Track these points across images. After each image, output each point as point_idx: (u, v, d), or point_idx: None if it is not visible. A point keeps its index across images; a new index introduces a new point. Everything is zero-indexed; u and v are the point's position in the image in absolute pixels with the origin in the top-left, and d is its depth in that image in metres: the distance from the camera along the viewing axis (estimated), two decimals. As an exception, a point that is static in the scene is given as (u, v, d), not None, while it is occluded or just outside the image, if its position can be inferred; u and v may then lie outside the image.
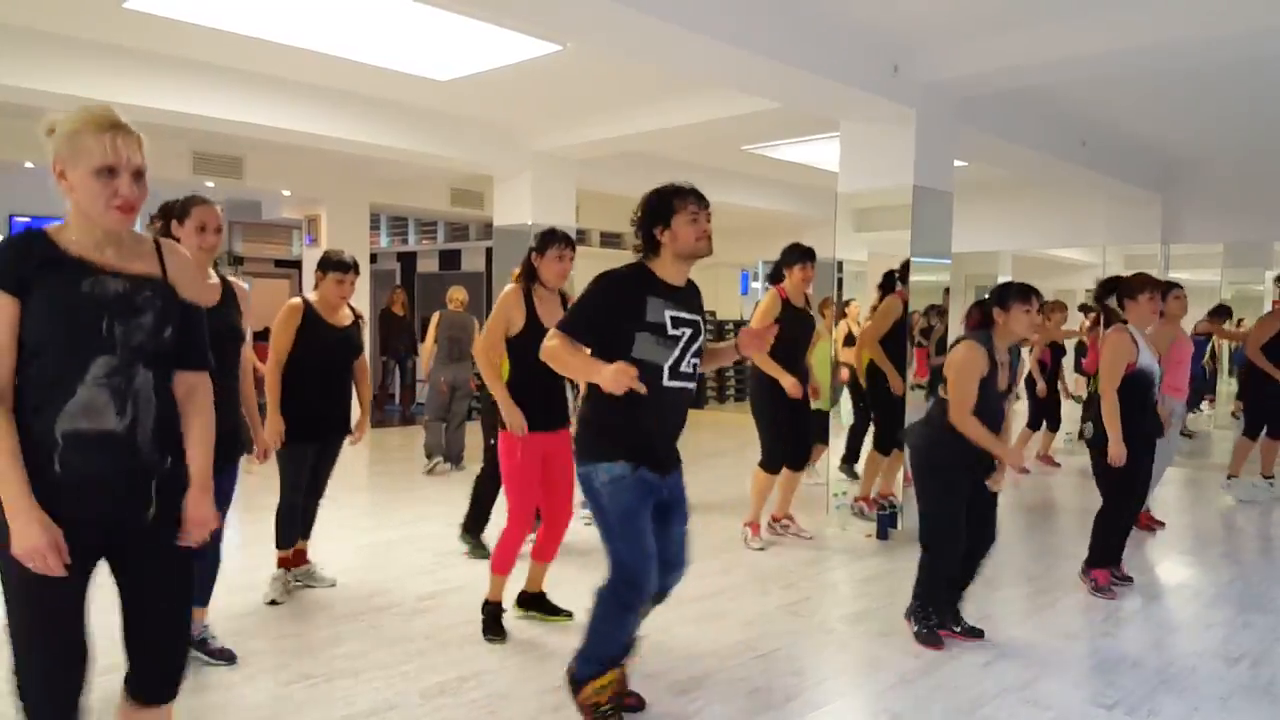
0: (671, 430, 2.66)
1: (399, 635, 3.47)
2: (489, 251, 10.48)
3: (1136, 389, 3.80)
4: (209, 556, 2.98)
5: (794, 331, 4.62)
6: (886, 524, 5.14)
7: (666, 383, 2.53)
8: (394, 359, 11.18)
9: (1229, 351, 9.74)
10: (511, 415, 3.30)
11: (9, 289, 1.63)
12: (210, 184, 8.53)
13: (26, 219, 9.89)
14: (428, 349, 7.04)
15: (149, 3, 4.44)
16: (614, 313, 2.51)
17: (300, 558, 3.99)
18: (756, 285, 14.05)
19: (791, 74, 4.52)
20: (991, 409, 3.24)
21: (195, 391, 1.87)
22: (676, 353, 2.54)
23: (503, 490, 3.49)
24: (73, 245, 1.70)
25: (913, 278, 5.17)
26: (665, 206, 2.54)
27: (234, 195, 10.21)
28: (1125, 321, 3.93)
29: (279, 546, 3.85)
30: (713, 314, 12.68)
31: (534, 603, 3.65)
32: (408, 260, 13.11)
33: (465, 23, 4.56)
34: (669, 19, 3.85)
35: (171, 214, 2.97)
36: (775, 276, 4.77)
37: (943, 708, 2.91)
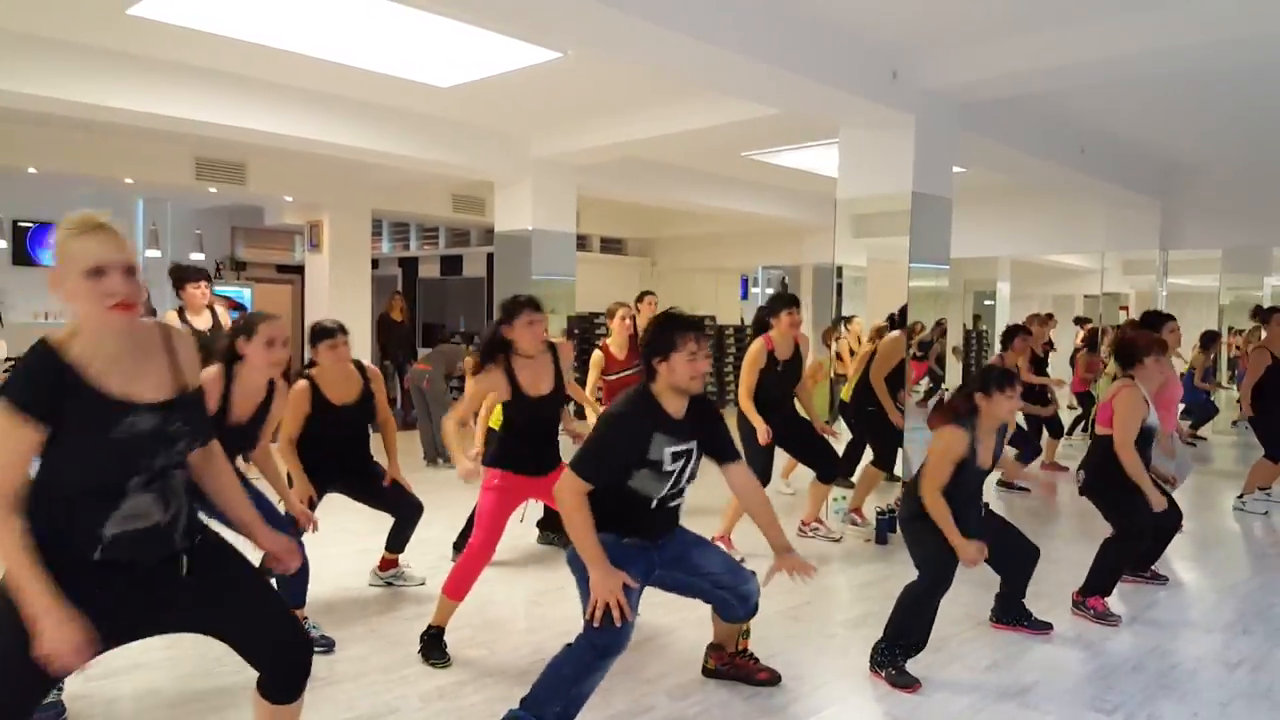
0: (659, 533, 2.75)
1: (399, 639, 3.47)
2: (490, 257, 10.52)
3: (1139, 444, 3.80)
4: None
5: (779, 383, 4.63)
6: (885, 529, 5.14)
7: (654, 509, 2.67)
8: (394, 364, 11.20)
9: (1228, 358, 9.74)
10: (460, 464, 3.32)
11: (36, 418, 1.65)
12: (213, 189, 8.56)
13: (29, 224, 9.94)
14: None
15: (153, 9, 4.47)
16: (622, 455, 2.60)
17: (390, 563, 4.13)
18: (756, 291, 14.07)
19: (791, 80, 4.54)
20: (970, 488, 3.24)
21: (211, 455, 2.01)
22: (668, 486, 2.65)
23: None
24: (92, 368, 1.71)
25: (912, 283, 5.20)
26: (667, 341, 2.63)
27: (236, 201, 10.26)
28: (1132, 376, 3.91)
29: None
30: (713, 319, 12.70)
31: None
32: (409, 265, 13.15)
33: (467, 30, 4.59)
34: (669, 26, 3.88)
35: (239, 332, 3.13)
36: (762, 326, 4.73)
37: (942, 713, 2.91)
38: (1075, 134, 6.76)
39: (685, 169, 8.62)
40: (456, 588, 3.24)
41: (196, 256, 11.03)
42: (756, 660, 3.12)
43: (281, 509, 3.32)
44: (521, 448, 3.34)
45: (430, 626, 3.30)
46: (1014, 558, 3.55)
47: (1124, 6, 4.24)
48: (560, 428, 3.53)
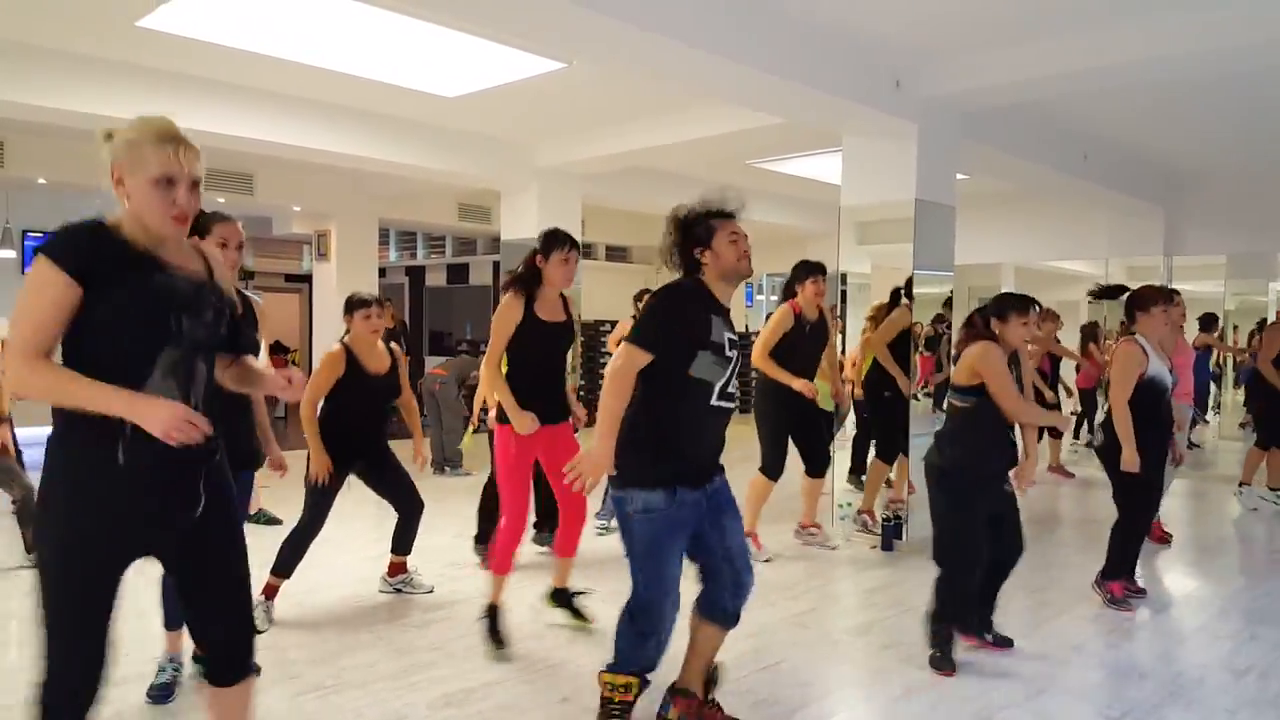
0: (709, 451, 2.63)
1: (407, 647, 3.49)
2: (496, 265, 10.56)
3: (1148, 399, 3.82)
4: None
5: (808, 346, 4.71)
6: (891, 535, 5.15)
7: (714, 402, 2.51)
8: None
9: (1233, 363, 9.71)
10: (519, 418, 3.30)
11: (72, 273, 1.65)
12: (221, 200, 8.62)
13: (39, 235, 10.01)
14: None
15: (162, 22, 4.51)
16: (684, 326, 2.46)
17: (398, 568, 4.15)
18: (761, 298, 14.08)
19: (794, 89, 4.57)
20: (1001, 419, 3.25)
21: (249, 363, 2.06)
22: (727, 373, 2.51)
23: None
24: (136, 241, 1.75)
25: (916, 290, 5.21)
26: (704, 227, 2.50)
27: (244, 211, 10.29)
28: (1134, 332, 3.96)
29: (275, 572, 3.67)
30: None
31: (561, 599, 3.71)
32: (416, 274, 13.20)
33: (473, 40, 4.62)
34: (673, 36, 3.90)
35: (192, 231, 3.03)
36: (788, 292, 4.81)
37: None
38: (1078, 140, 6.78)
39: (690, 177, 8.63)
40: (502, 561, 3.37)
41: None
42: (722, 711, 2.76)
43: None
44: (531, 387, 3.35)
45: (487, 605, 3.42)
46: (1004, 545, 3.37)
47: (1125, 14, 4.26)
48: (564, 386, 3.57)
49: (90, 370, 1.67)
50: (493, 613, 3.44)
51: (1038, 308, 3.32)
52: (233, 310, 1.93)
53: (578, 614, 3.67)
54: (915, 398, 5.29)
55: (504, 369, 3.44)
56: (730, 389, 2.55)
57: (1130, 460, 3.75)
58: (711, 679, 2.77)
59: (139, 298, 1.71)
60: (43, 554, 1.74)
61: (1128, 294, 4.18)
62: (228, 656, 1.95)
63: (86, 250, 1.68)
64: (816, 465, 4.99)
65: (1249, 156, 7.54)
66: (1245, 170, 7.97)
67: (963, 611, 3.28)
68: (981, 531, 3.23)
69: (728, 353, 2.49)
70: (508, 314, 3.36)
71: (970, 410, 3.26)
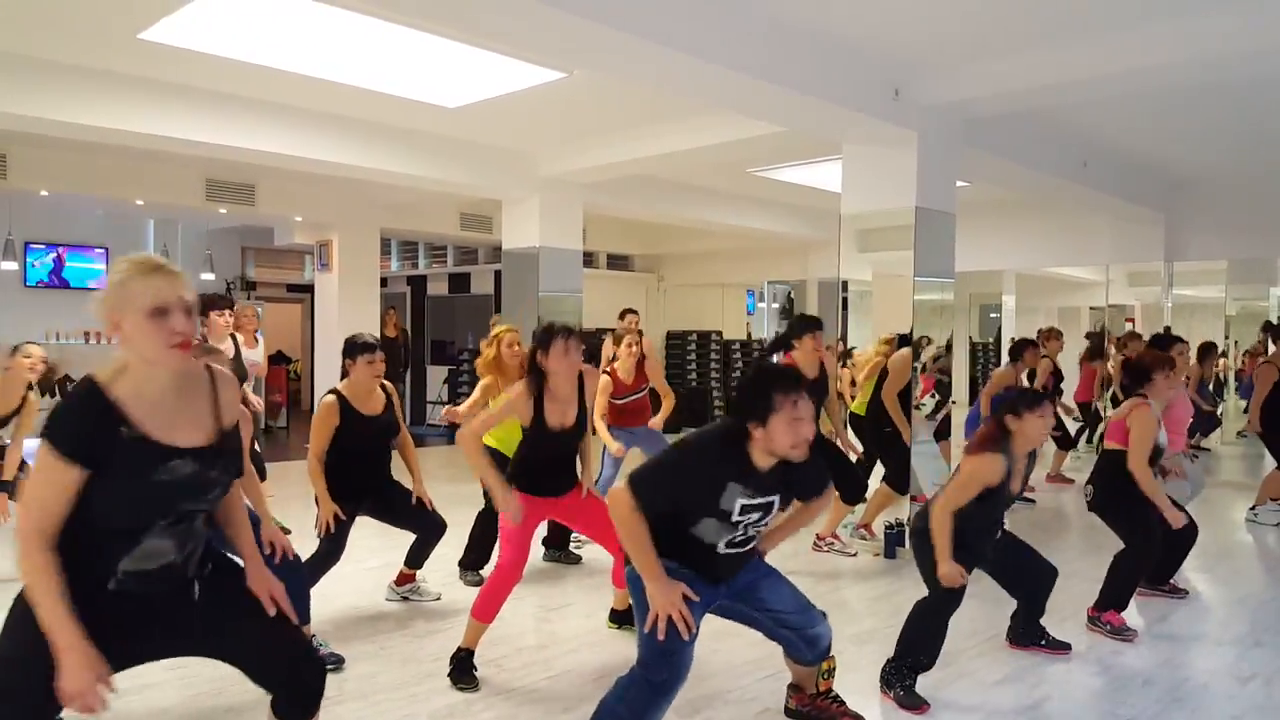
0: (725, 576, 2.54)
1: (408, 657, 3.48)
2: (498, 274, 10.57)
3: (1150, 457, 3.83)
4: (295, 577, 2.99)
5: None
6: (894, 543, 5.13)
7: (721, 551, 2.45)
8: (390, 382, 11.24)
9: (1234, 373, 9.72)
10: (504, 503, 3.15)
11: (78, 461, 1.68)
12: (223, 210, 8.65)
13: (41, 245, 10.05)
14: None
15: (164, 34, 4.53)
16: (691, 491, 2.37)
17: (407, 579, 4.18)
18: (763, 305, 14.09)
19: (795, 98, 4.58)
20: (995, 515, 3.26)
21: (232, 488, 2.03)
22: (734, 535, 2.42)
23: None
24: (137, 410, 1.74)
25: (916, 297, 5.21)
26: (765, 401, 2.29)
27: (246, 221, 10.34)
28: (1144, 395, 3.95)
29: None
30: (719, 334, 12.73)
31: (621, 618, 3.76)
32: (418, 283, 13.22)
33: (474, 51, 4.64)
34: (672, 45, 3.92)
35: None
36: (782, 344, 4.73)
37: (952, 727, 2.91)
38: (1078, 147, 6.79)
39: (691, 186, 8.67)
40: (485, 609, 3.20)
41: (207, 277, 11.12)
42: (841, 703, 2.85)
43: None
44: (538, 473, 3.32)
45: (459, 649, 3.25)
46: (1031, 577, 3.52)
47: (1125, 22, 4.27)
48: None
49: (90, 518, 1.72)
50: (467, 656, 3.24)
51: (1050, 405, 3.28)
52: (236, 455, 1.96)
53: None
54: (918, 406, 5.30)
55: (516, 434, 3.40)
56: (739, 539, 2.44)
57: (1176, 520, 3.80)
58: (823, 673, 2.82)
59: (137, 488, 1.74)
60: (11, 631, 1.74)
61: (1127, 363, 4.19)
62: (298, 699, 1.98)
63: (89, 439, 1.70)
64: (851, 494, 5.04)
65: (1249, 162, 7.55)
66: (1246, 175, 7.99)
67: (931, 651, 3.14)
68: (960, 593, 3.13)
69: (735, 519, 2.37)
70: (515, 409, 3.25)
71: (962, 510, 3.16)
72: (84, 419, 1.71)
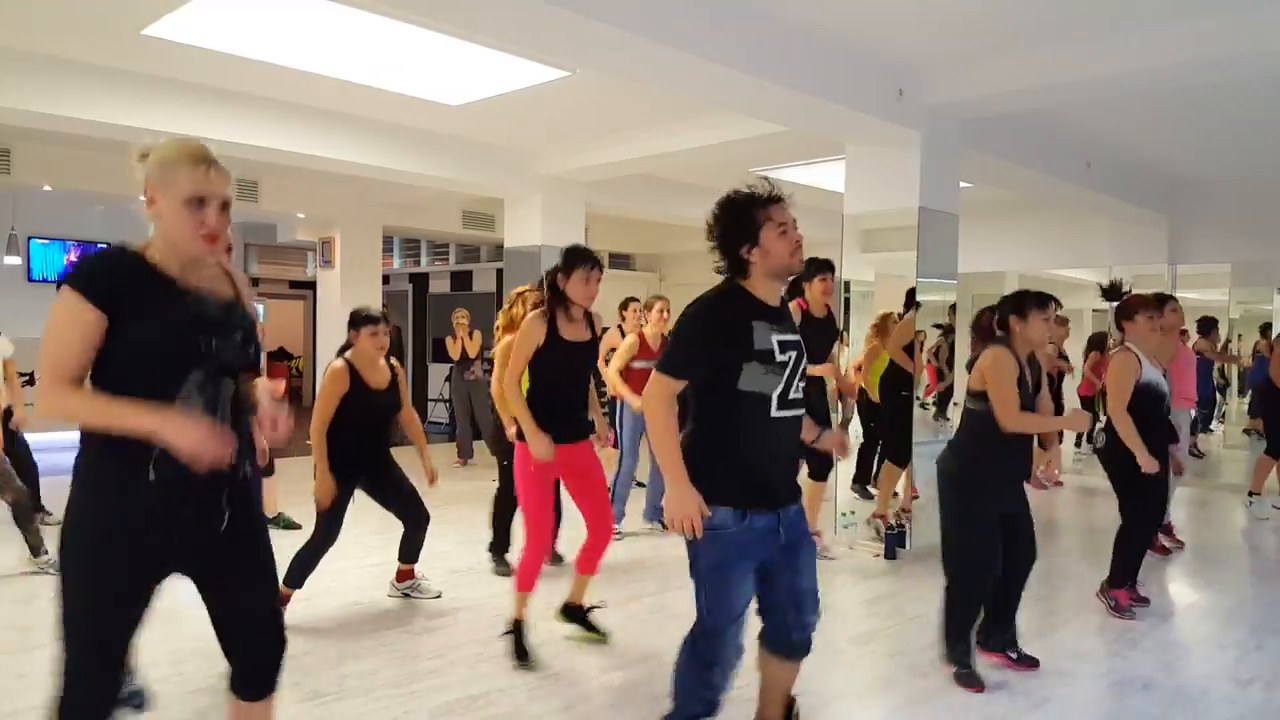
0: (784, 462, 2.40)
1: (409, 654, 3.49)
2: (499, 272, 10.57)
3: (1144, 404, 3.84)
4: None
5: (815, 343, 4.70)
6: (894, 544, 5.13)
7: (775, 413, 2.27)
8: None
9: (1238, 370, 9.69)
10: (537, 443, 3.24)
11: (97, 304, 1.67)
12: (225, 207, 8.65)
13: (45, 241, 10.05)
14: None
15: (167, 30, 4.54)
16: (718, 343, 2.23)
17: (406, 574, 4.19)
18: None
19: (798, 98, 4.58)
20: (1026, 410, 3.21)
21: (254, 387, 2.04)
22: (784, 380, 2.26)
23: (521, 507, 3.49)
24: (164, 265, 1.77)
25: (919, 298, 5.21)
26: (750, 220, 2.27)
27: (249, 218, 10.35)
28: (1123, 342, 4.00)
29: (286, 583, 3.67)
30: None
31: (574, 614, 3.68)
32: (420, 281, 13.23)
33: (477, 49, 4.65)
34: (676, 45, 3.92)
35: None
36: (795, 291, 4.78)
37: (951, 729, 2.91)
38: (1081, 149, 6.78)
39: (693, 185, 8.66)
40: (526, 578, 3.36)
41: (208, 273, 11.13)
42: None
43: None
44: (550, 408, 3.31)
45: (513, 621, 3.41)
46: (1018, 548, 3.26)
47: (1127, 23, 4.27)
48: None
49: (117, 390, 1.69)
50: (518, 628, 3.41)
51: (1056, 305, 3.22)
52: (256, 331, 1.96)
53: (591, 628, 3.66)
54: (923, 405, 5.30)
55: (525, 386, 3.39)
56: (793, 395, 2.30)
57: (1148, 463, 3.72)
58: (790, 713, 2.63)
59: (168, 323, 1.73)
60: (68, 569, 1.73)
61: (1115, 305, 4.19)
62: (256, 672, 1.96)
63: (112, 280, 1.70)
64: (820, 467, 4.91)
65: (1253, 164, 7.53)
66: (1249, 178, 7.97)
67: (972, 620, 3.20)
68: (993, 537, 3.16)
69: (779, 358, 2.24)
70: (530, 334, 3.30)
71: (984, 415, 3.18)
72: (106, 264, 1.74)
